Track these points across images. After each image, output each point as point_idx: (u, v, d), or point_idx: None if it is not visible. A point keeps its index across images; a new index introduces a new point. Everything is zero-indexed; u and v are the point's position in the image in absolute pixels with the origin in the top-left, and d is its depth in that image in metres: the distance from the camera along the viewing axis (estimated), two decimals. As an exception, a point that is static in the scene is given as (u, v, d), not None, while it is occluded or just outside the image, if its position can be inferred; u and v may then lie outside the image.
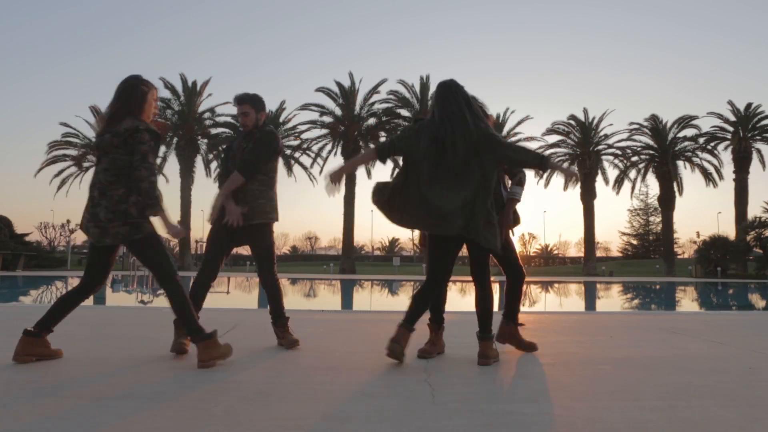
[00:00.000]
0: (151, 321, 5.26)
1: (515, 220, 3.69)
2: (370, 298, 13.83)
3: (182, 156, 34.84)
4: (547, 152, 37.35)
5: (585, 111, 37.56)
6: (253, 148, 3.62)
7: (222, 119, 35.44)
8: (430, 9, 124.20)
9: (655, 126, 36.16)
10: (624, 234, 70.94)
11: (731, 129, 35.40)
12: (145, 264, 3.08)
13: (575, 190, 37.59)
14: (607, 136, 37.15)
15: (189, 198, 35.30)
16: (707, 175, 35.47)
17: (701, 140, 36.03)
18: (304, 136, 35.76)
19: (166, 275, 3.06)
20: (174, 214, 3.79)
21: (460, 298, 11.91)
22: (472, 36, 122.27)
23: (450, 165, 3.08)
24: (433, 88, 33.67)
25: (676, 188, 35.75)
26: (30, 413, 2.10)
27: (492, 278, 3.38)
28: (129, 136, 2.98)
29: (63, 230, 49.52)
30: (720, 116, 35.70)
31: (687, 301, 13.25)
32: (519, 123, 36.37)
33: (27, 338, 3.05)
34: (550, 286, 19.71)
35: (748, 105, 35.20)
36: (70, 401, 2.28)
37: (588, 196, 36.44)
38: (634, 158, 36.99)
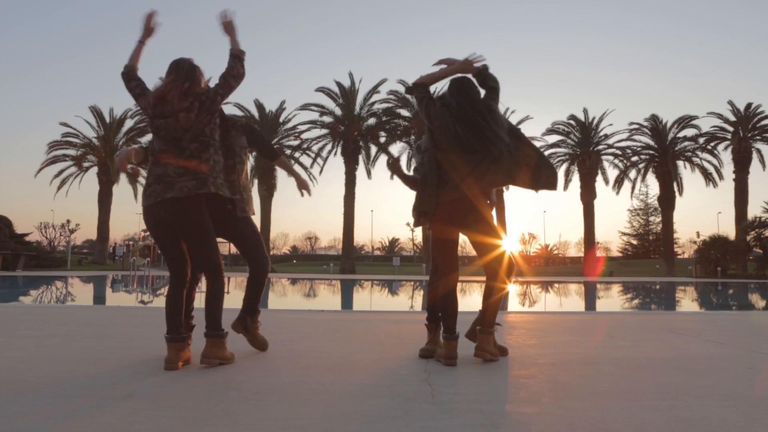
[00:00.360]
0: (151, 321, 5.26)
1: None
2: (370, 298, 13.82)
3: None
4: (547, 152, 37.35)
5: (585, 111, 37.58)
6: (260, 134, 3.71)
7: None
8: (430, 9, 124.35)
9: (655, 126, 36.14)
10: (624, 234, 70.93)
11: (731, 129, 35.36)
12: (188, 237, 3.05)
13: (575, 190, 37.58)
14: (607, 136, 37.14)
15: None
16: (707, 175, 35.47)
17: (701, 140, 36.01)
18: (304, 136, 35.68)
19: (210, 255, 3.07)
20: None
21: (459, 297, 11.86)
22: (471, 36, 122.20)
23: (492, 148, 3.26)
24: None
25: (676, 188, 35.74)
26: (30, 413, 2.10)
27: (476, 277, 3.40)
28: (201, 102, 3.04)
29: (63, 230, 49.57)
30: (720, 116, 35.69)
31: (687, 301, 13.23)
32: (519, 123, 36.28)
33: (214, 341, 3.03)
34: (550, 286, 19.70)
35: (748, 105, 35.17)
36: (70, 401, 2.28)
37: (588, 196, 36.43)
38: (634, 158, 36.98)
